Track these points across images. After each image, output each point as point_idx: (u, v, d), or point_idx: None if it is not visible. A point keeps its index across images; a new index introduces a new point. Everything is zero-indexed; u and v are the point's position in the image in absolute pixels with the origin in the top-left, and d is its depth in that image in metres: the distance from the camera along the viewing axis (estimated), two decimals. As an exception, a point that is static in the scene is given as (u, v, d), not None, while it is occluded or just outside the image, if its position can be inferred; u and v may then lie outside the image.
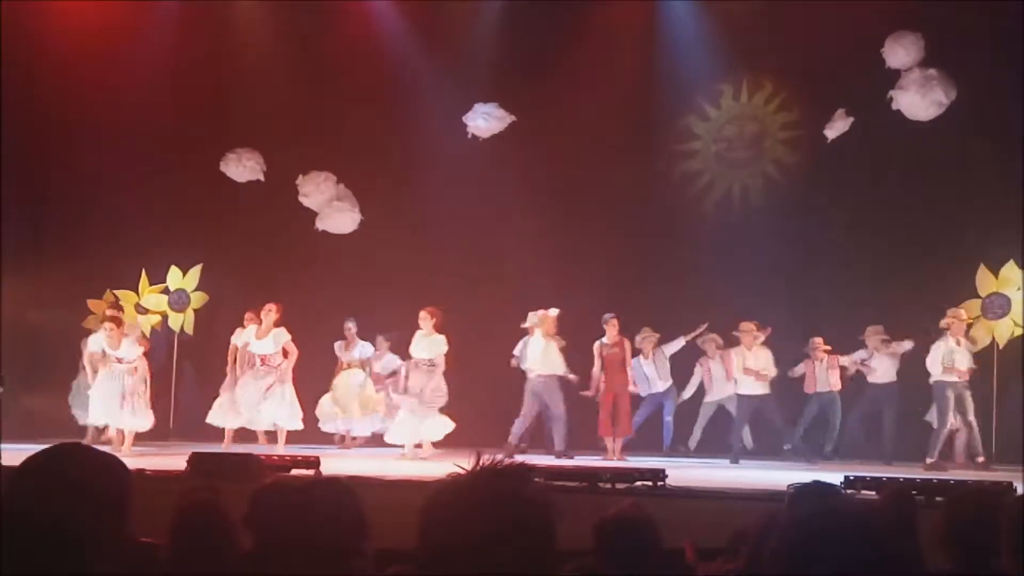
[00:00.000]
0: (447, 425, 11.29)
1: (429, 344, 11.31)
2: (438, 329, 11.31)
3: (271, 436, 11.82)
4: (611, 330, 11.45)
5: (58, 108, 13.38)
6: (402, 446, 11.29)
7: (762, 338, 11.58)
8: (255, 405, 11.49)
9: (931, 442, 10.99)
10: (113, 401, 11.09)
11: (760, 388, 11.57)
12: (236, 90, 13.56)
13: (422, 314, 11.32)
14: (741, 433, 11.77)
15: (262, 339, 11.47)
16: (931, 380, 11.10)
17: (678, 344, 12.04)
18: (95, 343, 11.38)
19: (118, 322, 11.40)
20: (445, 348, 11.31)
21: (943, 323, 11.10)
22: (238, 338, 11.87)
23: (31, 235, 13.66)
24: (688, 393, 12.28)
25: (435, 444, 11.31)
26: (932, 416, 11.20)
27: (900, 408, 11.57)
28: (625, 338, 11.56)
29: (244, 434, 11.99)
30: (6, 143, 13.01)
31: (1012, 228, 11.16)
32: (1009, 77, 11.52)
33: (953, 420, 11.02)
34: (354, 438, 12.51)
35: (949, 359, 11.03)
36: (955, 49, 12.01)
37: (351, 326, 12.52)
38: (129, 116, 13.42)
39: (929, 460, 10.86)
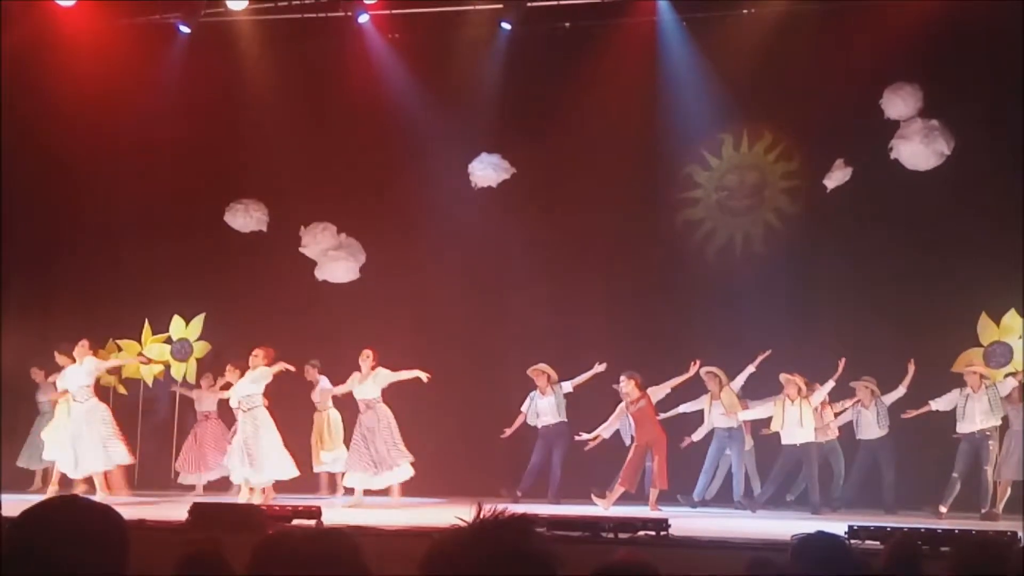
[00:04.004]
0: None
1: (373, 382, 11.40)
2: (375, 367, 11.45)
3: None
4: (630, 387, 11.40)
5: (62, 160, 13.49)
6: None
7: (805, 391, 11.33)
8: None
9: (945, 492, 10.97)
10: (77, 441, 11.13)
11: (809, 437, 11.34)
12: (240, 141, 13.66)
13: (364, 353, 11.42)
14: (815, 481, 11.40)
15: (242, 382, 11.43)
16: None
17: (664, 391, 11.91)
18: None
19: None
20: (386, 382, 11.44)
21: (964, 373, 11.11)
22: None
23: (35, 286, 13.70)
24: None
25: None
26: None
27: (896, 458, 11.47)
28: (646, 391, 11.46)
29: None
30: (10, 195, 13.11)
31: (1012, 276, 11.17)
32: (1007, 126, 11.62)
33: (960, 472, 10.97)
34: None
35: (960, 411, 11.02)
36: (953, 99, 12.11)
37: (311, 368, 12.60)
38: (132, 167, 13.53)
39: (941, 508, 10.84)
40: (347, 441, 12.02)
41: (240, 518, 8.21)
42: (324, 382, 12.57)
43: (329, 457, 12.49)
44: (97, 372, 11.63)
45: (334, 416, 12.62)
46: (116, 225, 13.65)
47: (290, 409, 12.13)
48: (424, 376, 11.38)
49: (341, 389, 11.86)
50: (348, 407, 12.18)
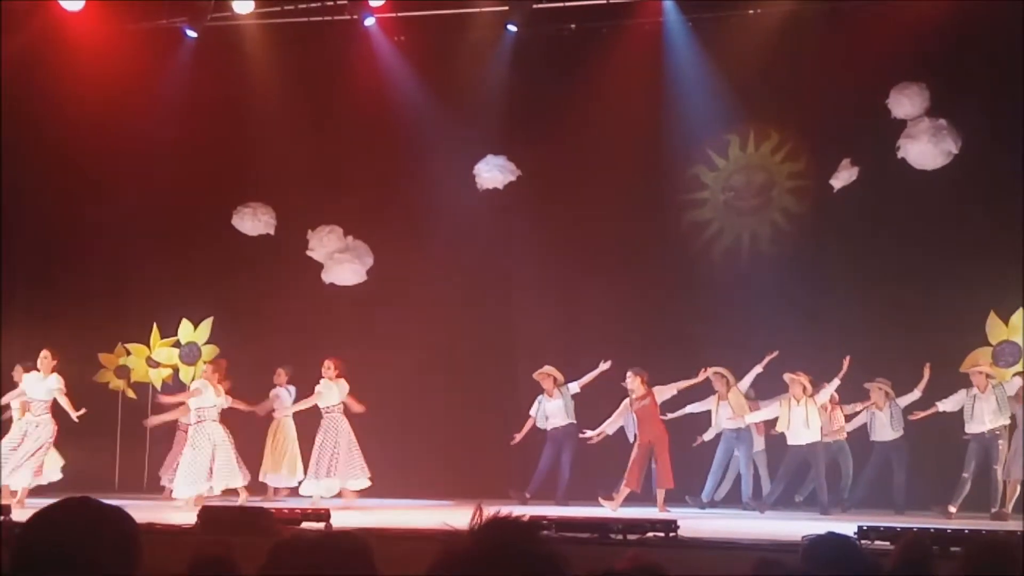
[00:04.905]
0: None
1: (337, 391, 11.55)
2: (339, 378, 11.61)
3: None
4: (636, 384, 11.40)
5: (70, 163, 13.49)
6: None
7: (811, 390, 11.31)
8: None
9: (955, 492, 10.95)
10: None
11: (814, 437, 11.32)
12: (247, 144, 13.66)
13: (326, 364, 11.57)
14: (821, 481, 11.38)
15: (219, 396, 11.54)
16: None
17: (670, 392, 11.88)
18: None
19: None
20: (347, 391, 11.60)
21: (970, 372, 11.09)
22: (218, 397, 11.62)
23: (42, 290, 13.70)
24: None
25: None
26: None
27: (909, 462, 11.43)
28: (651, 390, 11.48)
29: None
30: (17, 198, 13.13)
31: (1021, 275, 11.14)
32: (1016, 123, 11.57)
33: (970, 472, 10.95)
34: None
35: (969, 411, 10.99)
36: (960, 98, 12.08)
37: (283, 372, 12.54)
38: (140, 171, 13.53)
39: (951, 508, 10.82)
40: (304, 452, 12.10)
41: (250, 521, 8.22)
42: (288, 392, 12.49)
43: (278, 469, 12.37)
44: (58, 390, 11.29)
45: (289, 426, 12.50)
46: (123, 228, 13.65)
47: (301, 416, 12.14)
48: (359, 408, 11.59)
49: (305, 403, 11.84)
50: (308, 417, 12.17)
